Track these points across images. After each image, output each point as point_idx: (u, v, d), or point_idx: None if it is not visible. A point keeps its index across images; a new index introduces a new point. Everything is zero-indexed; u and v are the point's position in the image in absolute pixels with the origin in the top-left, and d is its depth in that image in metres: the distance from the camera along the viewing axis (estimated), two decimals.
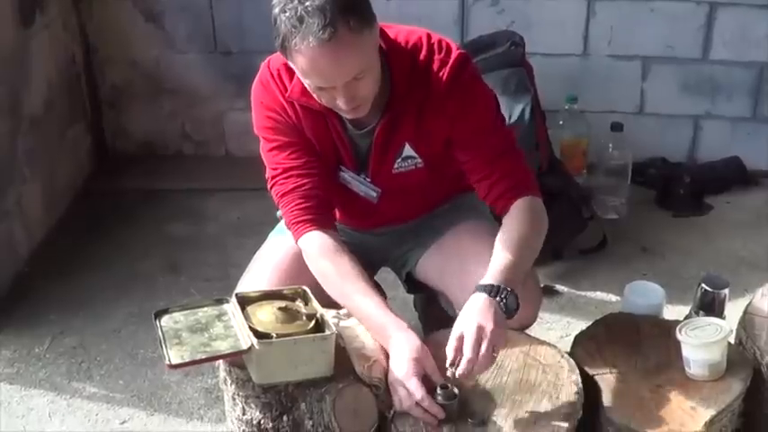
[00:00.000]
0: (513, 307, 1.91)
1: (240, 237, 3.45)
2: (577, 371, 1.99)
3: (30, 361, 2.89)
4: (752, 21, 3.72)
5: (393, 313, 1.99)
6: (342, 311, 2.08)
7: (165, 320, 1.95)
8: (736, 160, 3.89)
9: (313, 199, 2.11)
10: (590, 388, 1.97)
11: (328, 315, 1.95)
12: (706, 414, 1.90)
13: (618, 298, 2.95)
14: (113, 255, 3.46)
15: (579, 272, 3.28)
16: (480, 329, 1.84)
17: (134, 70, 4.08)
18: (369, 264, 2.12)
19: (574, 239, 3.33)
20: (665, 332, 2.14)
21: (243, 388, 1.95)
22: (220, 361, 1.97)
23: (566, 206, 3.25)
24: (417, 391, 1.82)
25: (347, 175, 2.22)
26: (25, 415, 2.67)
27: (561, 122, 3.71)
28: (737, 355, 2.09)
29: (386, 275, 2.46)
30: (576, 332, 2.23)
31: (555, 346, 2.09)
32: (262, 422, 1.93)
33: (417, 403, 1.82)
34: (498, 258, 1.96)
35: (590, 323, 2.26)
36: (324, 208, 2.13)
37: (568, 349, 2.12)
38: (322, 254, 2.08)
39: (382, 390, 1.88)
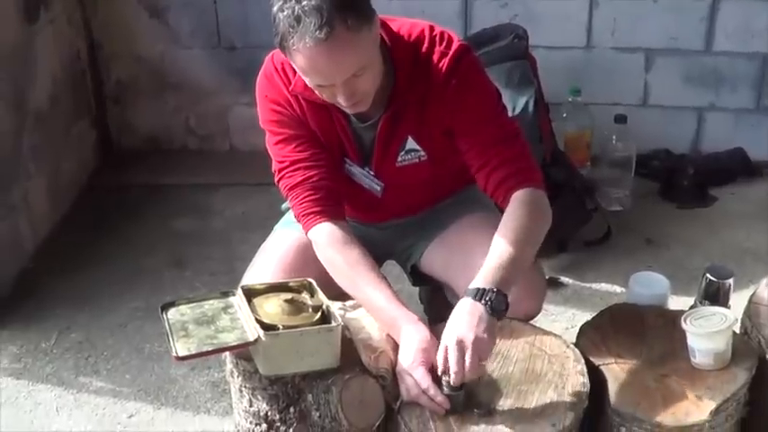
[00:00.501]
0: (500, 308, 1.87)
1: (245, 231, 3.45)
2: (583, 361, 1.99)
3: (36, 356, 2.90)
4: (755, 12, 3.72)
5: (403, 305, 1.99)
6: (348, 303, 2.09)
7: (172, 313, 1.95)
8: (739, 152, 3.89)
9: (321, 190, 2.11)
10: (595, 378, 1.97)
11: (334, 307, 1.96)
12: (711, 403, 1.90)
13: (623, 289, 2.96)
14: (119, 250, 3.48)
15: (584, 264, 3.28)
16: (460, 343, 1.82)
17: (139, 66, 4.09)
18: (374, 257, 2.12)
19: (578, 231, 3.34)
20: (670, 322, 2.15)
21: (249, 380, 1.95)
22: (227, 353, 1.97)
23: (570, 198, 3.26)
24: (424, 380, 1.82)
25: (352, 169, 2.22)
26: (32, 410, 2.68)
27: (565, 115, 3.71)
28: (742, 345, 2.09)
29: (390, 268, 2.46)
30: (581, 323, 2.23)
31: (560, 337, 2.08)
32: (269, 414, 1.93)
33: (424, 392, 1.82)
34: (493, 256, 1.94)
35: (595, 314, 2.27)
36: (333, 199, 2.13)
37: (574, 340, 2.12)
38: (331, 245, 2.08)
39: (389, 381, 1.88)
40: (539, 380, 1.94)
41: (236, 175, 3.97)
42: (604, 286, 3.16)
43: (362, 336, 1.98)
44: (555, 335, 2.10)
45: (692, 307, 2.33)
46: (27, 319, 3.07)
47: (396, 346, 1.95)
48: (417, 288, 2.70)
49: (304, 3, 1.81)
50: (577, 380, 1.93)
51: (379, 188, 2.23)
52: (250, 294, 1.96)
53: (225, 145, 4.22)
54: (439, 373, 1.84)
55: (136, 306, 3.12)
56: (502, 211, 2.07)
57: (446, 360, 1.83)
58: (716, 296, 2.34)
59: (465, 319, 1.85)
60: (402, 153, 2.17)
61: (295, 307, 1.90)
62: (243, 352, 1.92)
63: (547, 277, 2.50)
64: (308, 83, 1.97)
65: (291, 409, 1.91)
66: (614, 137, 3.63)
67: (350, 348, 1.92)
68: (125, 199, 3.86)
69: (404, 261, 2.46)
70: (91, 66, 4.04)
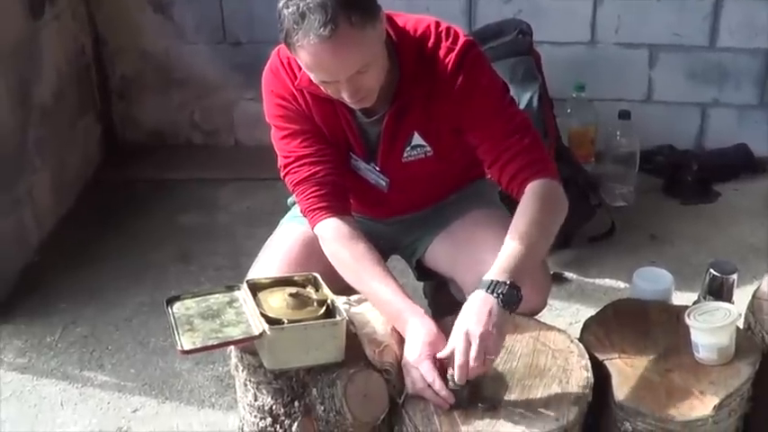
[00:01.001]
0: (513, 300, 1.87)
1: (250, 226, 3.46)
2: (587, 356, 1.99)
3: (41, 350, 2.90)
4: (759, 8, 3.72)
5: (409, 298, 1.99)
6: (353, 297, 2.09)
7: (177, 307, 1.96)
8: (743, 147, 3.89)
9: (327, 186, 2.12)
10: (599, 373, 1.97)
11: (339, 301, 1.96)
12: (715, 398, 1.90)
13: (626, 285, 2.96)
14: (124, 244, 3.48)
15: (588, 259, 3.29)
16: (468, 336, 1.82)
17: (143, 61, 4.10)
18: (379, 251, 2.12)
19: (582, 227, 3.33)
20: (674, 317, 2.15)
21: (254, 374, 1.95)
22: (232, 347, 1.97)
23: (574, 194, 3.21)
24: (429, 373, 1.83)
25: (358, 164, 2.22)
26: (37, 404, 2.68)
27: (569, 111, 3.71)
28: (746, 340, 2.09)
29: (395, 263, 2.46)
30: (585, 318, 2.23)
31: (564, 332, 2.09)
32: (273, 408, 1.93)
33: (429, 386, 1.83)
34: (507, 249, 1.93)
35: (599, 309, 2.27)
36: (339, 194, 2.14)
37: (578, 335, 2.13)
38: (338, 239, 2.09)
39: (393, 375, 1.89)
40: (543, 375, 1.94)
41: (242, 170, 3.98)
42: (608, 281, 3.16)
43: (367, 330, 1.99)
44: (559, 330, 2.10)
45: (695, 302, 2.33)
46: (32, 313, 3.08)
47: (400, 341, 1.95)
48: (422, 283, 2.70)
49: None
50: (581, 375, 1.93)
51: (384, 183, 2.23)
52: (255, 288, 1.97)
53: (230, 140, 4.22)
54: (447, 369, 1.84)
55: (141, 300, 3.12)
56: (516, 205, 2.06)
57: (452, 355, 1.83)
58: (719, 291, 2.34)
59: (475, 312, 1.86)
60: (408, 149, 2.17)
61: (300, 301, 1.90)
62: (248, 346, 1.92)
63: (551, 272, 2.49)
64: (312, 79, 1.97)
65: (296, 403, 1.91)
66: (618, 133, 3.63)
67: (354, 342, 1.93)
68: (130, 194, 3.86)
69: (409, 256, 2.46)
70: (96, 61, 4.05)
